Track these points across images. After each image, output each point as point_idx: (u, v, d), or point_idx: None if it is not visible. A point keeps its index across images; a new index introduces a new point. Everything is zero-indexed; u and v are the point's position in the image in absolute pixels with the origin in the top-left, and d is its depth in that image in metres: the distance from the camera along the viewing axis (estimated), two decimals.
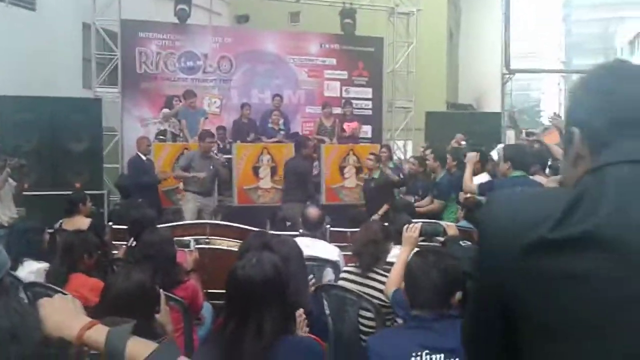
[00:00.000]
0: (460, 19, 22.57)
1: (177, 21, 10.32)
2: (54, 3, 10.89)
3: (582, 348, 0.88)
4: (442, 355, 2.07)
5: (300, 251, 3.20)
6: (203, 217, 6.94)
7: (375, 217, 6.76)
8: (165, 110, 9.46)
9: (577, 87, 1.07)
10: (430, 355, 2.08)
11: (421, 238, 3.42)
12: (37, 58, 10.23)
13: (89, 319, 1.21)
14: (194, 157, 7.37)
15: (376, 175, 7.58)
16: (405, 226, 3.33)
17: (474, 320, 1.10)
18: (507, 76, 16.00)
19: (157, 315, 2.43)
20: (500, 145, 6.48)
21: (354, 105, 10.46)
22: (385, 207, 7.04)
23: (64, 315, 1.20)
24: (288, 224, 5.18)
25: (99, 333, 1.18)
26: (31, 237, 4.12)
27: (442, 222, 4.53)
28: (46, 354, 1.06)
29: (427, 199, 7.04)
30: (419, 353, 2.09)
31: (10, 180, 5.99)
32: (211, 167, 7.38)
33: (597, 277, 0.86)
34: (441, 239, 3.84)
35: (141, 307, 2.27)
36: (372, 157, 7.72)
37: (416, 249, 3.03)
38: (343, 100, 10.65)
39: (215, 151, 7.62)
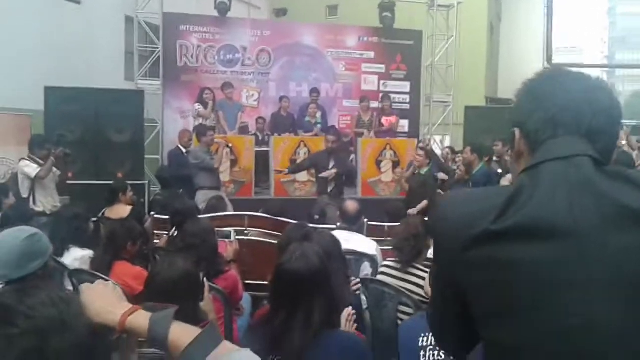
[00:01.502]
0: (501, 12, 22.16)
1: (217, 14, 10.41)
2: None
3: (521, 325, 0.99)
4: None
5: (339, 245, 3.20)
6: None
7: (412, 211, 6.68)
8: (200, 109, 9.15)
9: (519, 92, 1.17)
10: None
11: None
12: (81, 50, 10.42)
13: (130, 305, 1.19)
14: (200, 154, 7.02)
15: (423, 171, 7.45)
16: None
17: (436, 299, 1.26)
18: None
19: (201, 304, 2.46)
20: None
21: (392, 99, 10.39)
22: (424, 203, 6.95)
23: (106, 301, 1.18)
24: (316, 217, 5.20)
25: (141, 319, 1.16)
26: (78, 224, 4.10)
27: None
28: (95, 340, 1.06)
29: None
30: (427, 334, 2.33)
31: (55, 169, 6.10)
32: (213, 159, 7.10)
33: (531, 262, 0.97)
34: None
35: (186, 295, 2.30)
36: (422, 152, 7.56)
37: None
38: (381, 94, 10.59)
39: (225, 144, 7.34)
